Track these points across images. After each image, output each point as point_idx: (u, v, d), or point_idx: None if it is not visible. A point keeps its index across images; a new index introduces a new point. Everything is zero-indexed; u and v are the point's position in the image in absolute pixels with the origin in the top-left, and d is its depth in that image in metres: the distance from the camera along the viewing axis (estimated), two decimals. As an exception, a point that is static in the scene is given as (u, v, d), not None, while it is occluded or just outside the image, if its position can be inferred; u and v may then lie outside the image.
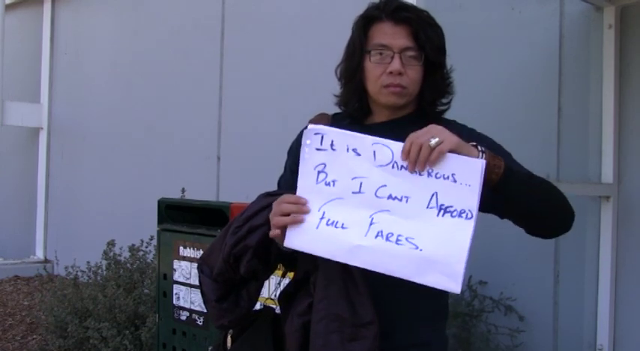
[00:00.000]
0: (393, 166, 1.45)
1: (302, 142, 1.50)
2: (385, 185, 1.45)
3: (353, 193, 1.47)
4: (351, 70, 1.69)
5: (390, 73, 1.60)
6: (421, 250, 1.42)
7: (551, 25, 3.58)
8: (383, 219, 1.45)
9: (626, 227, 3.36)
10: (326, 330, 1.49)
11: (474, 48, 3.63)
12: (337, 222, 1.47)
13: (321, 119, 1.74)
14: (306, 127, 1.55)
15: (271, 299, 1.78)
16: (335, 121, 1.73)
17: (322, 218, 1.48)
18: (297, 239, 1.50)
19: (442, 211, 1.42)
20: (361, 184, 1.46)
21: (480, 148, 1.47)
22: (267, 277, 1.71)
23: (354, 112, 1.71)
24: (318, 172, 1.49)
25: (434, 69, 1.64)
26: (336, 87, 1.76)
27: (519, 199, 1.52)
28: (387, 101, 1.65)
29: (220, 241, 1.64)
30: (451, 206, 1.42)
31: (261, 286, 1.71)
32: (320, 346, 1.49)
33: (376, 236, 1.45)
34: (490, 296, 3.46)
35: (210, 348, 2.62)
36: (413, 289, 1.54)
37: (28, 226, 7.12)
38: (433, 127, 1.44)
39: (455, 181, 1.41)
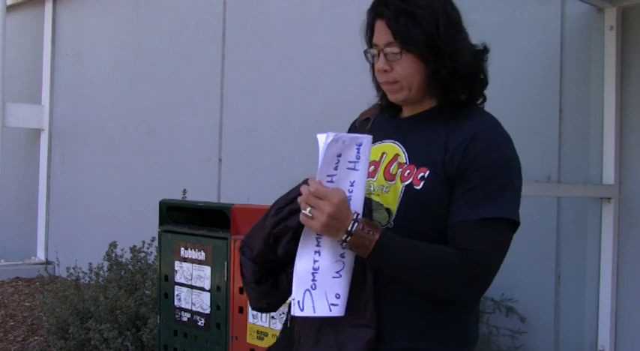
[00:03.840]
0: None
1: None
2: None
3: None
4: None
5: (378, 71, 1.62)
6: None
7: (552, 27, 3.58)
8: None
9: (628, 228, 3.36)
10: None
11: (475, 49, 3.62)
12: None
13: (371, 110, 1.78)
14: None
15: None
16: (380, 112, 1.75)
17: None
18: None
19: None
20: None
21: (351, 228, 1.46)
22: None
23: (383, 108, 1.73)
24: None
25: (428, 58, 1.58)
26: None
27: (395, 271, 1.52)
28: (390, 98, 1.66)
29: (261, 223, 1.66)
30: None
31: None
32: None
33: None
34: (491, 297, 3.46)
35: None
36: (419, 297, 1.53)
37: (29, 228, 7.12)
38: (329, 194, 1.44)
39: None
